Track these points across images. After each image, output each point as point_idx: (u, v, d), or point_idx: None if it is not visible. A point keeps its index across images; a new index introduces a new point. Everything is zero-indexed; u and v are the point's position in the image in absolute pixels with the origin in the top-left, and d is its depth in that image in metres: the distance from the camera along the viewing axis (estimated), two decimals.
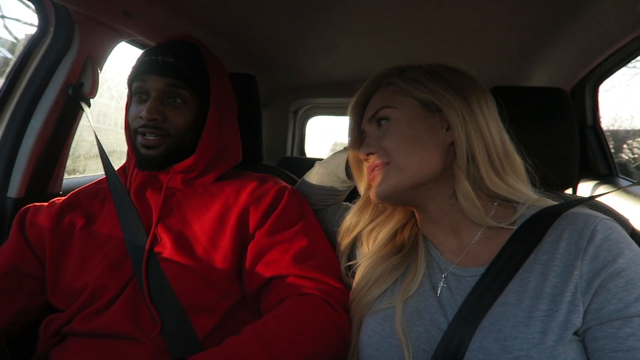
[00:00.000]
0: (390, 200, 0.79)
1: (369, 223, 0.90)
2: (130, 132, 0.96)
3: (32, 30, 1.17)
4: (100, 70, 1.28)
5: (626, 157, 2.19)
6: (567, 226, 0.66)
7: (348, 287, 0.89)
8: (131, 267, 0.87)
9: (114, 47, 1.31)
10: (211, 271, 0.87)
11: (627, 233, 0.66)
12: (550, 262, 0.64)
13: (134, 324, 0.82)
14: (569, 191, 1.21)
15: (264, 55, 1.73)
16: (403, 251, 0.83)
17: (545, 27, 1.26)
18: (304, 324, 0.77)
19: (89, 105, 1.25)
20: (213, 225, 0.91)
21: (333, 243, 0.99)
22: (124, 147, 1.03)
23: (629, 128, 2.29)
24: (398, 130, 0.76)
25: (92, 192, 1.01)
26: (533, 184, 0.78)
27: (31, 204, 1.02)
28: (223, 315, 0.85)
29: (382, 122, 0.80)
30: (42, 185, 1.25)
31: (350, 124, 0.91)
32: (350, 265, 0.91)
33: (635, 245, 0.63)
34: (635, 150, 2.18)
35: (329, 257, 0.93)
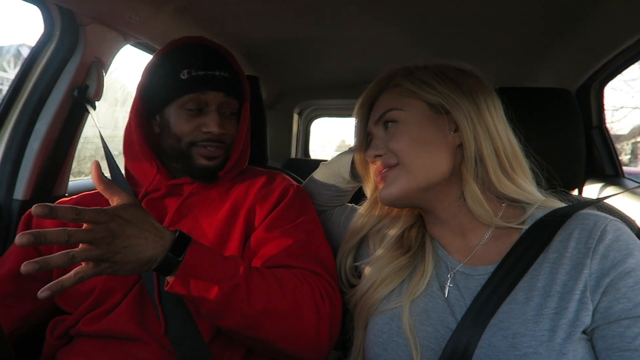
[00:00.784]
0: (399, 202, 0.79)
1: (377, 223, 0.90)
2: (182, 145, 0.94)
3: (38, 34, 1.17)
4: (106, 72, 1.29)
5: None
6: (576, 226, 0.66)
7: (350, 287, 0.89)
8: None
9: (119, 49, 1.32)
10: None
11: (634, 233, 0.66)
12: (559, 261, 0.65)
13: (141, 325, 0.82)
14: (575, 192, 1.20)
15: (268, 56, 1.74)
16: (410, 252, 0.82)
17: (550, 28, 1.26)
18: (285, 284, 0.78)
19: (94, 108, 1.26)
20: (222, 225, 0.91)
21: (338, 244, 0.99)
22: None
23: None
24: (406, 132, 0.76)
25: (99, 193, 1.01)
26: (539, 184, 0.78)
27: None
28: None
29: (390, 124, 0.79)
30: (48, 187, 1.25)
31: (357, 125, 0.90)
32: (356, 266, 0.91)
33: None
34: None
35: (324, 253, 0.92)
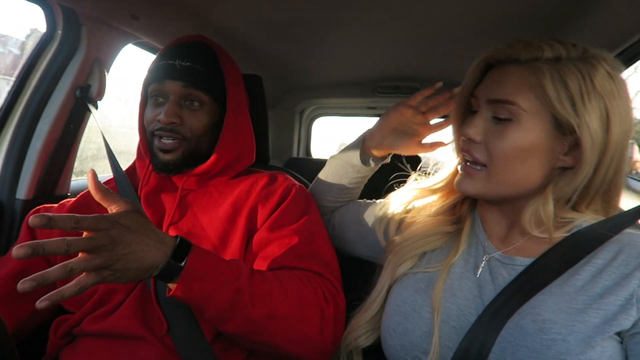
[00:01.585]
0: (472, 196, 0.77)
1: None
2: (147, 134, 0.96)
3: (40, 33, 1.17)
4: (108, 72, 1.29)
5: None
6: (628, 241, 0.65)
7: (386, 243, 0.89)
8: None
9: (121, 49, 1.32)
10: None
11: None
12: (605, 268, 0.63)
13: (143, 324, 0.82)
14: None
15: (270, 56, 1.73)
16: (457, 224, 0.81)
17: (552, 27, 1.25)
18: (288, 287, 0.77)
19: (97, 107, 1.26)
20: (223, 224, 0.91)
21: (356, 239, 1.00)
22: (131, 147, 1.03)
23: None
24: (516, 138, 0.66)
25: None
26: None
27: (41, 206, 1.03)
28: None
29: (503, 115, 0.68)
30: (50, 186, 1.26)
31: (464, 85, 0.77)
32: (401, 221, 0.90)
33: None
34: None
35: (327, 253, 0.92)
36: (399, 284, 0.79)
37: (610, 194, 0.69)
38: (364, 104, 2.55)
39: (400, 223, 0.91)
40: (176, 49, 0.96)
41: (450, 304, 0.70)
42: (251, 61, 1.77)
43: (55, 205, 1.01)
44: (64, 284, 0.87)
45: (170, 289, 0.68)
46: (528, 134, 0.66)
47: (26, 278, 0.52)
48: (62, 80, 1.20)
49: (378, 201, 1.01)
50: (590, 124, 0.62)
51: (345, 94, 2.37)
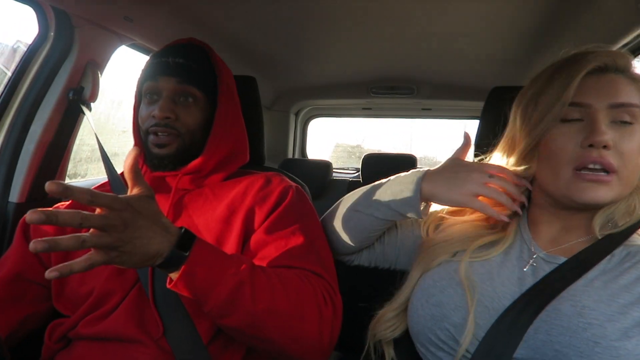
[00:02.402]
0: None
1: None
2: (141, 133, 0.97)
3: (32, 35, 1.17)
4: (101, 74, 1.28)
5: None
6: None
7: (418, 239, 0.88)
8: (136, 271, 0.87)
9: (114, 51, 1.31)
10: None
11: None
12: None
13: (140, 327, 0.82)
14: None
15: (264, 57, 1.74)
16: (496, 230, 0.81)
17: (546, 27, 1.26)
18: (288, 284, 0.77)
19: (90, 109, 1.25)
20: (219, 226, 0.90)
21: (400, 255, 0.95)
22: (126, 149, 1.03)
23: None
24: (637, 138, 0.67)
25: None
26: None
27: (35, 210, 1.02)
28: None
29: (625, 120, 0.68)
30: (43, 189, 1.23)
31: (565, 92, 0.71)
32: (440, 220, 0.90)
33: None
34: None
35: (325, 254, 0.91)
36: (435, 269, 0.79)
37: None
38: (359, 104, 2.56)
39: (440, 223, 0.91)
40: (169, 49, 0.98)
41: (487, 285, 0.72)
42: (246, 63, 1.77)
43: (49, 209, 1.00)
44: (78, 289, 0.87)
45: (171, 280, 0.67)
46: None
47: (39, 239, 0.53)
48: (54, 83, 1.20)
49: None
50: None
51: (341, 95, 2.38)
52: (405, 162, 2.27)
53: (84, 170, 1.91)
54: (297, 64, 1.89)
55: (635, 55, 1.30)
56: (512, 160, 0.78)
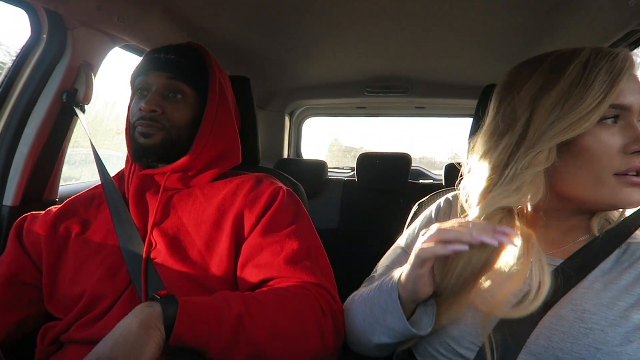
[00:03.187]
0: None
1: None
2: (130, 128, 0.97)
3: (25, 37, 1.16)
4: (95, 76, 1.28)
5: None
6: None
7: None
8: (128, 273, 0.86)
9: (107, 52, 1.31)
10: (206, 276, 0.86)
11: None
12: None
13: None
14: None
15: (257, 57, 1.73)
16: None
17: (539, 25, 1.27)
18: (285, 303, 0.77)
19: (84, 111, 1.25)
20: (209, 229, 0.90)
21: None
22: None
23: None
24: None
25: (88, 198, 1.01)
26: None
27: (28, 213, 1.01)
28: None
29: None
30: (38, 192, 1.24)
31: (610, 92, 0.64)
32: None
33: None
34: None
35: (322, 260, 0.91)
36: None
37: None
38: (354, 104, 2.56)
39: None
40: (164, 46, 1.00)
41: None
42: (240, 63, 1.76)
43: (42, 212, 1.00)
44: (70, 291, 0.87)
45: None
46: None
47: None
48: (48, 85, 1.19)
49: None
50: None
51: (335, 95, 2.38)
52: (400, 161, 2.28)
53: (79, 173, 1.90)
54: (291, 64, 1.89)
55: None
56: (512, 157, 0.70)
